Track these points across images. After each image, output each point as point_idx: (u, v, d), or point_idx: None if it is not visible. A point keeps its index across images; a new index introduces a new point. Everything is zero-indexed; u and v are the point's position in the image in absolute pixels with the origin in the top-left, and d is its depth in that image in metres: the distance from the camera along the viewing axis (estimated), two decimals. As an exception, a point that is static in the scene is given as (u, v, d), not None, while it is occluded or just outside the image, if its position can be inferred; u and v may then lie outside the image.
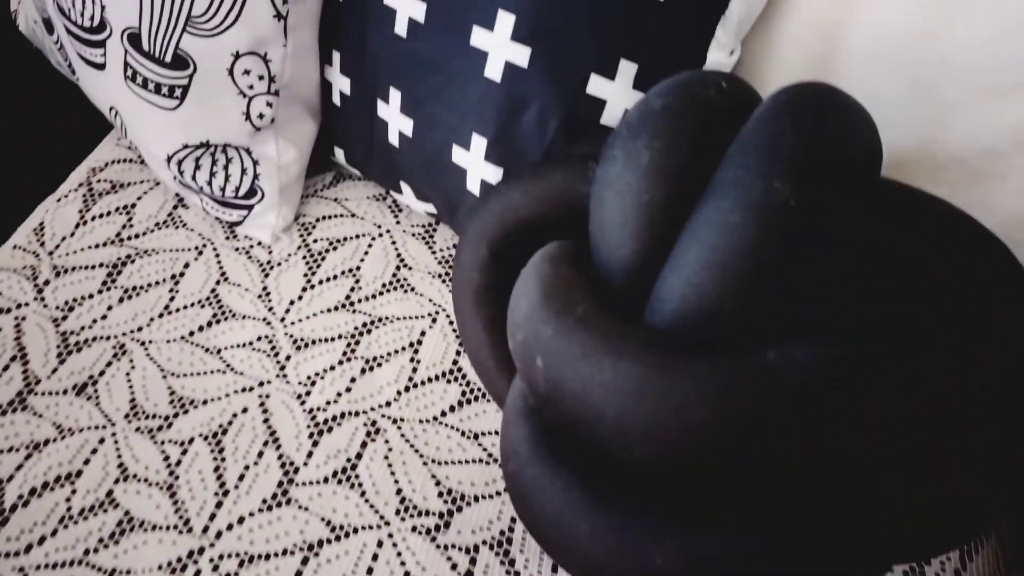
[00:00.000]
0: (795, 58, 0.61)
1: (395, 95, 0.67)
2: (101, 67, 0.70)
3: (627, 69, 0.58)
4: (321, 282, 0.72)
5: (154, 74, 0.68)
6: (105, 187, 0.78)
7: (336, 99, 0.73)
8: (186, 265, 0.73)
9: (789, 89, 0.45)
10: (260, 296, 0.71)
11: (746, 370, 0.38)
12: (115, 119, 0.75)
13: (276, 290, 0.71)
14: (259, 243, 0.75)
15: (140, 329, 0.68)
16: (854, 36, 0.59)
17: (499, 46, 0.59)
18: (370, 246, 0.75)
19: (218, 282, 0.72)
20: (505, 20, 0.58)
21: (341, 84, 0.72)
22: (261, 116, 0.70)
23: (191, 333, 0.68)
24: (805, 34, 0.60)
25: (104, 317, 0.69)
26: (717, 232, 0.40)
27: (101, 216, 0.76)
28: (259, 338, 0.68)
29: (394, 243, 0.75)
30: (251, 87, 0.69)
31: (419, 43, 0.63)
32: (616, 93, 0.59)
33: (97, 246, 0.73)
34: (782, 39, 0.61)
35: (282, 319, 0.69)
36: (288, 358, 0.67)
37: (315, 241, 0.75)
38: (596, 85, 0.59)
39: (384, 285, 0.72)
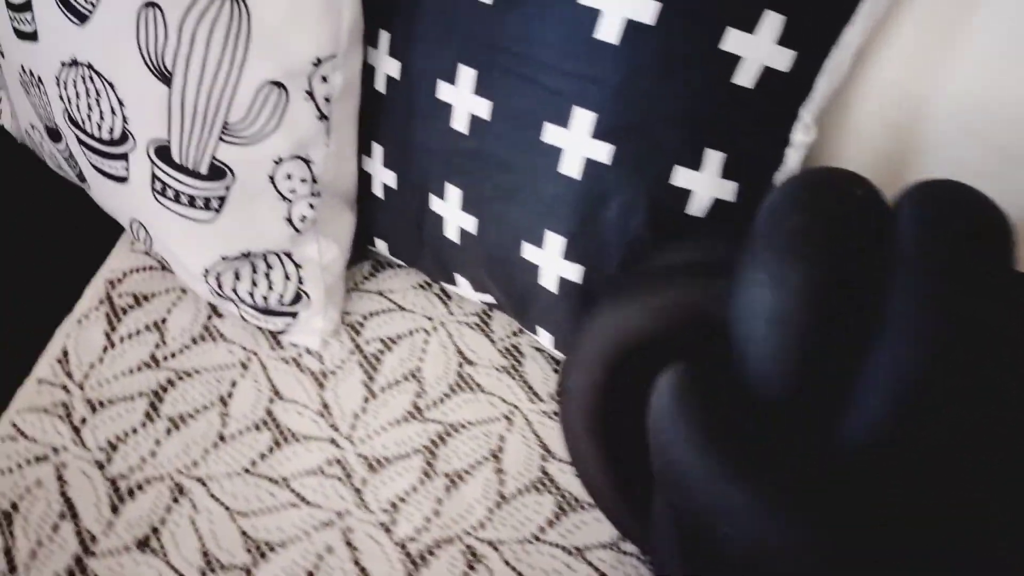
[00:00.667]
0: (874, 132, 0.59)
1: (453, 191, 0.63)
2: (123, 180, 0.65)
3: (713, 158, 0.55)
4: (383, 389, 0.68)
5: (188, 187, 0.62)
6: (128, 301, 0.72)
7: (378, 191, 0.68)
8: (233, 384, 0.67)
9: (934, 194, 0.43)
10: (321, 413, 0.66)
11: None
12: (137, 231, 0.69)
13: (336, 404, 0.67)
14: (307, 350, 0.70)
15: (195, 464, 0.63)
16: (938, 108, 0.57)
17: (577, 143, 0.56)
18: (426, 342, 0.71)
19: (271, 400, 0.67)
20: (582, 117, 0.55)
21: (384, 177, 0.67)
22: (303, 219, 0.66)
23: (252, 463, 0.63)
24: (885, 107, 0.58)
25: (153, 454, 0.63)
26: (906, 367, 0.37)
27: (130, 336, 0.70)
28: (328, 462, 0.63)
29: (451, 336, 0.71)
30: (293, 191, 0.64)
31: (484, 140, 0.59)
32: (702, 183, 0.56)
33: (131, 371, 0.68)
34: (860, 113, 0.59)
35: (348, 437, 0.65)
36: (364, 482, 0.62)
37: (367, 342, 0.71)
38: (681, 176, 0.56)
39: (450, 386, 0.68)
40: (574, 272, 0.60)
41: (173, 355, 0.69)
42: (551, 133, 0.56)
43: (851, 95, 0.59)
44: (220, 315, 0.72)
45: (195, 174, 0.62)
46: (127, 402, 0.66)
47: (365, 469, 0.63)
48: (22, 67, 0.66)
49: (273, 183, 0.63)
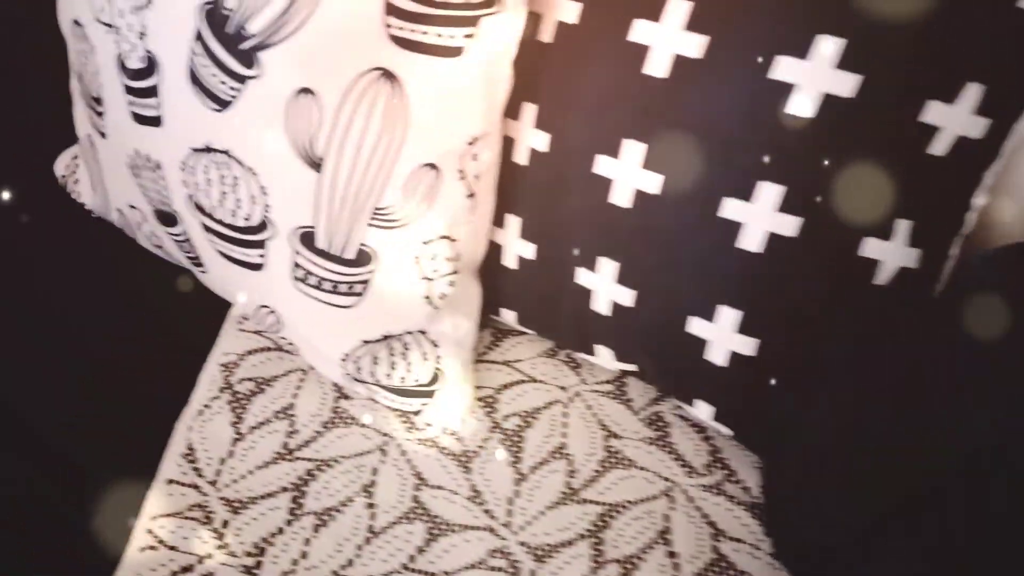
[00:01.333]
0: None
1: (607, 265, 0.60)
2: (256, 267, 0.61)
3: (902, 227, 0.54)
4: (533, 470, 0.65)
5: (332, 273, 0.59)
6: (249, 387, 0.69)
7: (510, 262, 0.66)
8: (375, 471, 0.64)
9: None
10: (472, 498, 0.63)
11: None
12: (263, 318, 0.66)
13: (487, 488, 0.64)
14: (444, 430, 0.68)
15: (350, 563, 0.59)
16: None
17: (760, 217, 0.54)
18: (566, 415, 0.68)
19: (417, 487, 0.64)
20: (769, 191, 0.53)
21: (520, 248, 0.65)
22: (443, 296, 0.63)
23: (411, 558, 0.60)
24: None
25: (305, 555, 0.60)
26: None
27: (259, 426, 0.66)
28: (491, 553, 0.60)
29: (589, 407, 0.69)
30: (436, 270, 0.61)
31: (649, 215, 0.57)
32: (891, 252, 0.54)
33: (267, 464, 0.64)
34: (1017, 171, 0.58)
35: (507, 524, 0.62)
36: (533, 574, 0.60)
37: (505, 418, 0.68)
38: (871, 247, 0.54)
39: (600, 463, 0.65)
40: (748, 346, 0.58)
41: (307, 443, 0.66)
42: (731, 208, 0.55)
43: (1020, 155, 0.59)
44: (347, 397, 0.69)
45: (340, 260, 0.59)
46: (268, 499, 0.62)
47: (532, 560, 0.60)
48: (136, 151, 0.63)
49: (418, 264, 0.61)
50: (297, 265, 0.60)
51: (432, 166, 0.56)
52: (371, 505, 0.63)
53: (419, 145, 0.55)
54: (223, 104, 0.55)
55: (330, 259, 0.59)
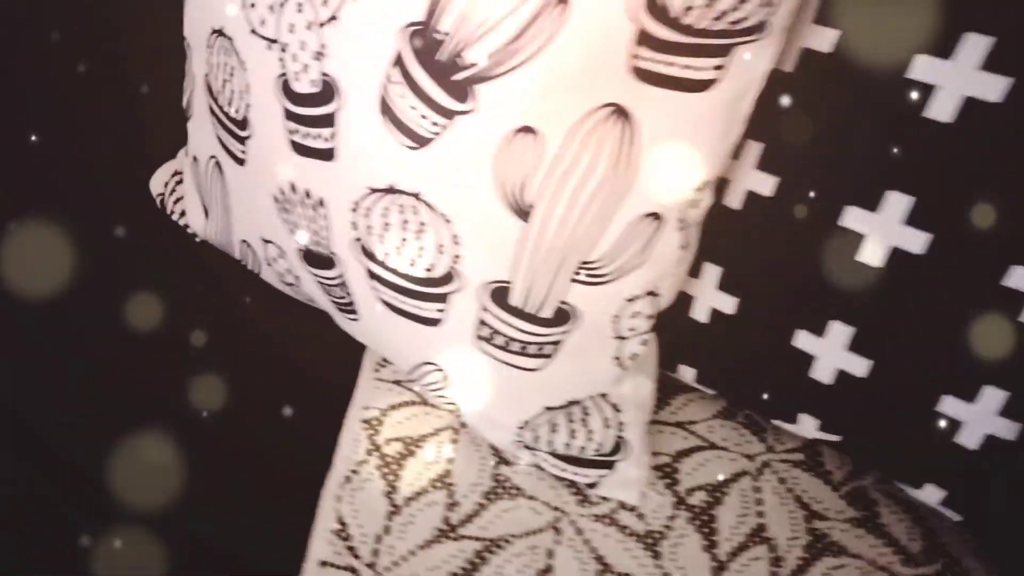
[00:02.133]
0: None
1: (841, 329, 0.53)
2: (432, 322, 0.54)
3: None
4: (732, 557, 0.58)
5: (523, 333, 0.52)
6: (398, 448, 0.62)
7: (701, 316, 0.58)
8: (550, 555, 0.57)
9: None
10: (665, 589, 0.57)
11: None
12: (424, 374, 0.58)
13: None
14: (622, 505, 0.61)
15: (538, 665, 0.53)
16: None
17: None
18: (758, 490, 0.60)
19: (600, 573, 0.57)
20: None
21: (717, 301, 0.57)
22: (632, 357, 0.56)
23: (605, 661, 0.54)
24: None
25: (484, 655, 0.53)
26: None
27: (416, 497, 0.59)
28: (697, 657, 0.54)
29: (782, 481, 0.61)
30: (633, 329, 0.54)
31: (909, 280, 0.50)
32: None
33: (429, 544, 0.56)
34: None
35: (710, 622, 0.56)
36: None
37: (689, 492, 0.60)
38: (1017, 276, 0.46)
39: (806, 548, 0.58)
40: (1007, 429, 0.51)
41: (470, 518, 0.58)
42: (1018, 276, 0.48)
43: None
44: (507, 462, 0.62)
45: (535, 319, 0.52)
46: (436, 586, 0.56)
47: (744, 665, 0.54)
48: (291, 184, 0.55)
49: (616, 323, 0.53)
50: (483, 323, 0.52)
51: (655, 216, 0.49)
52: (550, 595, 0.56)
53: (645, 192, 0.47)
54: (421, 142, 0.47)
55: (524, 318, 0.51)
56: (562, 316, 0.51)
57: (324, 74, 0.49)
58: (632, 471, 0.59)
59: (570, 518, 0.59)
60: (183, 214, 0.74)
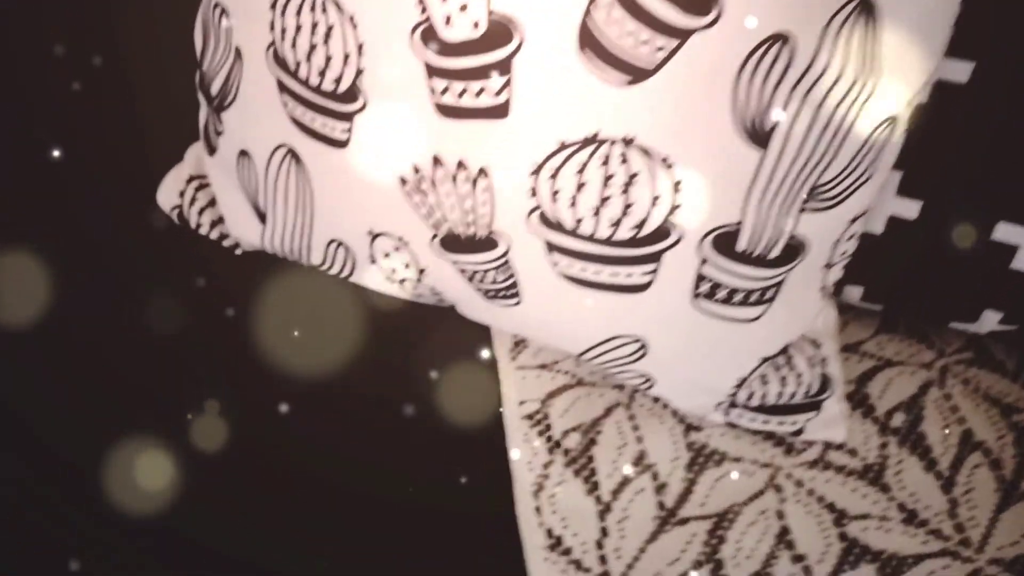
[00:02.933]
0: None
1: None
2: (637, 289, 0.46)
3: None
4: (954, 469, 0.53)
5: (749, 280, 0.45)
6: (577, 440, 0.53)
7: (877, 227, 0.53)
8: (780, 515, 0.50)
9: None
10: (908, 520, 0.51)
11: None
12: (609, 352, 0.50)
13: (918, 503, 0.51)
14: (829, 445, 0.56)
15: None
16: None
17: None
18: (948, 397, 0.55)
19: (839, 522, 0.50)
20: None
21: (896, 208, 0.53)
22: (834, 284, 0.50)
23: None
24: None
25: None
26: None
27: (620, 488, 0.51)
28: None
29: (967, 383, 0.57)
30: (844, 253, 0.49)
31: None
32: None
33: (654, 536, 0.48)
34: None
35: (964, 541, 0.51)
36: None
37: (888, 415, 0.55)
38: None
39: (1016, 444, 0.55)
40: None
41: (685, 497, 0.52)
42: None
43: None
44: (694, 427, 0.56)
45: (764, 262, 0.45)
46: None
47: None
48: (435, 158, 0.45)
49: (834, 249, 0.48)
50: (703, 278, 0.45)
51: (890, 121, 0.44)
52: (799, 558, 0.50)
53: (886, 93, 0.42)
54: (639, 75, 0.38)
55: (752, 262, 0.45)
56: (791, 252, 0.45)
57: (491, 12, 0.39)
58: (835, 407, 0.55)
59: (784, 472, 0.53)
60: (215, 224, 0.62)
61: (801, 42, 0.38)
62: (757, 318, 0.47)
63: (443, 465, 0.51)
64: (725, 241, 0.43)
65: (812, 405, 0.53)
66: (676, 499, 0.52)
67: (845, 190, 0.44)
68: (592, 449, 0.53)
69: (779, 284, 0.46)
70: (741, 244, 0.44)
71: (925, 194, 0.52)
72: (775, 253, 0.45)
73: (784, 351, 0.50)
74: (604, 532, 0.50)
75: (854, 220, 0.46)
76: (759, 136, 0.40)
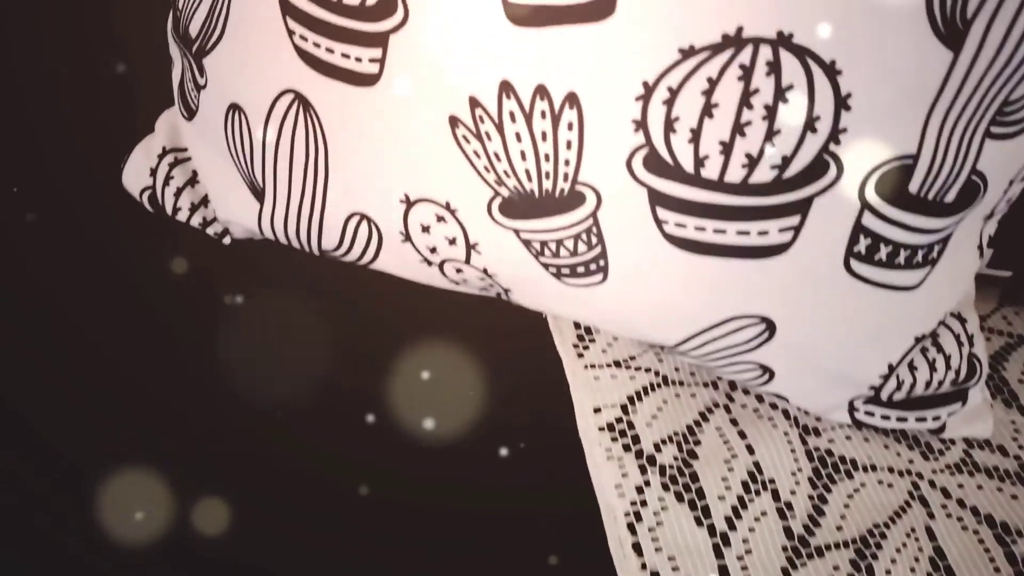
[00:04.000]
0: None
1: None
2: (772, 251, 0.35)
3: None
4: None
5: (919, 233, 0.35)
6: (675, 454, 0.43)
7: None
8: (930, 533, 0.41)
9: None
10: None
11: None
12: (720, 339, 0.39)
13: None
14: (972, 443, 0.46)
15: None
16: None
17: None
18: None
19: (1002, 539, 0.42)
20: None
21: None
22: (991, 239, 0.41)
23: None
24: None
25: None
26: None
27: (738, 512, 0.40)
28: None
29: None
30: (1009, 199, 0.39)
31: None
32: None
33: (787, 573, 0.40)
34: None
35: None
36: None
37: None
38: None
39: None
40: None
41: (815, 519, 0.42)
42: None
43: None
44: (812, 431, 0.46)
45: (938, 207, 0.35)
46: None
47: None
48: (506, 85, 0.34)
49: (1005, 192, 0.38)
50: (863, 231, 0.35)
51: None
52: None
53: None
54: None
55: (924, 209, 0.34)
56: (969, 194, 0.35)
57: None
58: (979, 396, 0.45)
59: (927, 479, 0.44)
60: (197, 207, 0.51)
61: None
62: (919, 284, 0.37)
63: (513, 498, 0.40)
64: (895, 179, 0.33)
65: (959, 394, 0.44)
66: (806, 523, 0.42)
67: (1039, 109, 0.35)
68: (694, 464, 0.43)
69: (947, 238, 0.37)
70: (915, 183, 0.34)
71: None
72: (952, 195, 0.35)
73: (934, 329, 0.41)
74: (725, 573, 0.40)
75: None
76: (954, 34, 0.31)
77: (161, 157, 0.51)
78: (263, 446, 0.43)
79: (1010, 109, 0.34)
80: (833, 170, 0.33)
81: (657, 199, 0.35)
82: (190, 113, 0.47)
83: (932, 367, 0.41)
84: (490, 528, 0.39)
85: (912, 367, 0.40)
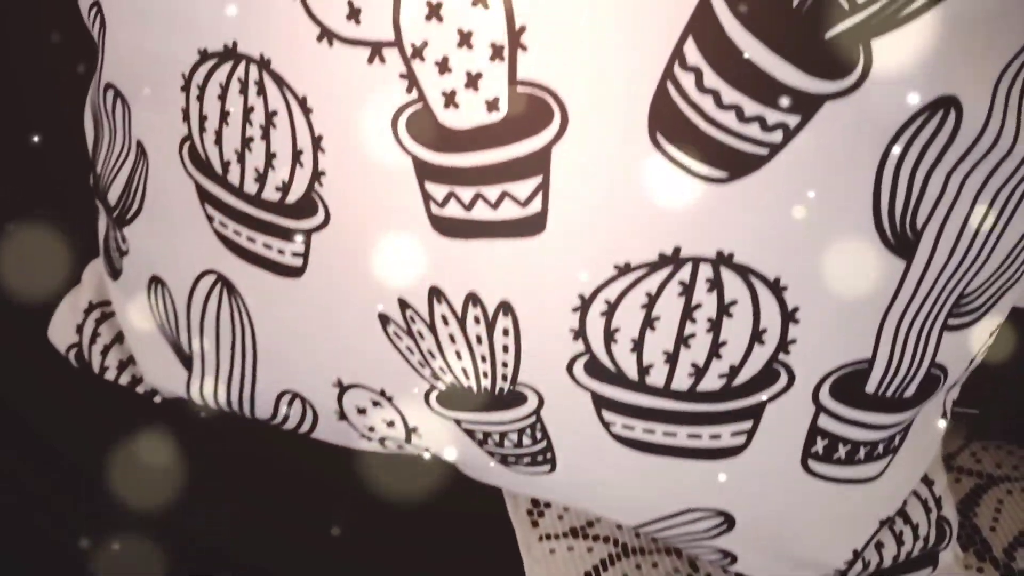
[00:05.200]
0: None
1: None
2: (725, 453, 0.32)
3: None
4: None
5: (877, 430, 0.32)
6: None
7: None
8: None
9: None
10: None
11: None
12: (679, 527, 0.36)
13: None
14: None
15: None
16: None
17: None
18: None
19: None
20: None
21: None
22: (951, 405, 0.40)
23: None
24: None
25: None
26: None
27: None
28: None
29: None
30: (971, 369, 0.37)
31: None
32: None
33: None
34: None
35: None
36: None
37: (1007, 553, 0.45)
38: None
39: None
40: None
41: None
42: None
43: None
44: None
45: (897, 403, 0.33)
46: None
47: None
48: (434, 291, 0.31)
49: (967, 368, 0.37)
50: (818, 433, 0.33)
51: None
52: None
53: None
54: (739, 168, 0.26)
55: (882, 407, 0.33)
56: (929, 385, 0.34)
57: (517, 83, 0.28)
58: (951, 556, 0.44)
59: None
60: (125, 365, 0.48)
61: (968, 107, 0.27)
62: (882, 473, 0.36)
63: None
64: (850, 383, 0.32)
65: (929, 558, 0.42)
66: None
67: (994, 295, 0.33)
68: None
69: (908, 427, 0.36)
70: (871, 385, 0.32)
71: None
72: (911, 391, 0.33)
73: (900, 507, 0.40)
74: None
75: (992, 334, 0.36)
76: (905, 242, 0.30)
77: (87, 312, 0.48)
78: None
79: (966, 300, 0.32)
80: (784, 378, 0.31)
81: (602, 402, 0.33)
82: (114, 273, 0.45)
83: (899, 540, 0.39)
84: None
85: (879, 546, 0.38)
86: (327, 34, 0.28)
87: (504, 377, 0.34)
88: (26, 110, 0.54)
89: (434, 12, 0.26)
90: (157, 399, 0.49)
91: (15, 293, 0.47)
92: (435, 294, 0.32)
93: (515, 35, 0.26)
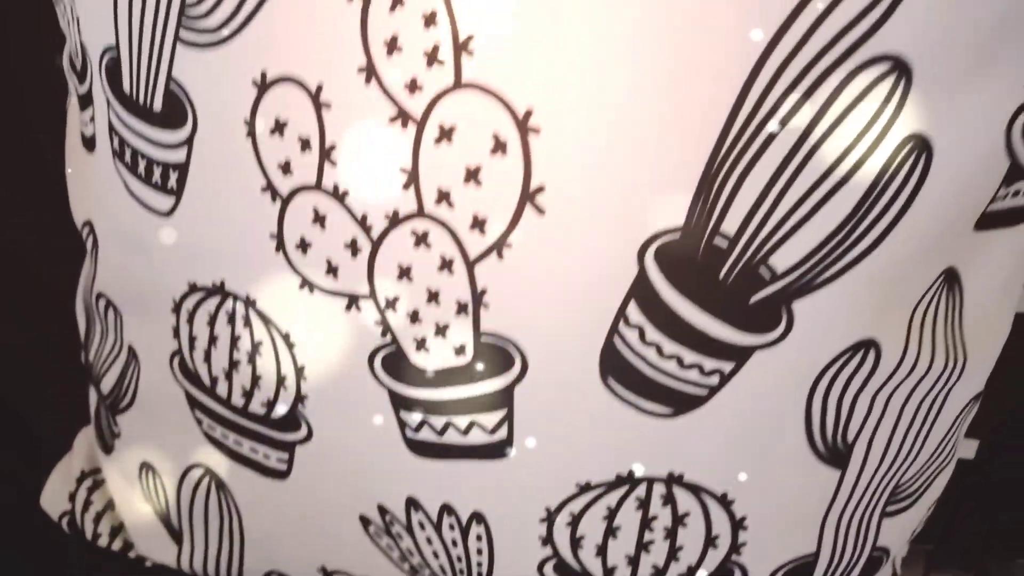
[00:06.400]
0: None
1: None
2: None
3: None
4: None
5: None
6: None
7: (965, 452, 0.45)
8: None
9: None
10: None
11: None
12: None
13: None
14: None
15: None
16: None
17: None
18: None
19: None
20: None
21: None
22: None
23: None
24: None
25: None
26: None
27: None
28: None
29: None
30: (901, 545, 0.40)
31: None
32: None
33: None
34: None
35: None
36: None
37: None
38: None
39: None
40: None
41: None
42: None
43: None
44: None
45: None
46: None
47: None
48: (411, 501, 0.33)
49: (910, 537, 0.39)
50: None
51: (976, 399, 0.36)
52: None
53: (973, 373, 0.35)
54: (682, 405, 0.29)
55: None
56: (871, 568, 0.36)
57: (484, 333, 0.31)
58: None
59: None
60: (118, 531, 0.49)
61: (885, 345, 0.30)
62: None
63: None
64: (800, 573, 0.35)
65: None
66: None
67: (927, 480, 0.36)
68: None
69: None
70: (819, 573, 0.35)
71: (982, 434, 0.46)
72: (855, 573, 0.36)
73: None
74: None
75: (930, 507, 0.39)
76: (838, 455, 0.32)
77: (80, 481, 0.50)
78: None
79: (901, 490, 0.35)
80: (738, 573, 0.34)
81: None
82: (106, 448, 0.47)
83: None
84: None
85: None
86: (308, 284, 0.31)
87: (479, 574, 0.36)
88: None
89: (404, 274, 0.30)
90: (148, 563, 0.51)
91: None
92: (411, 504, 0.34)
93: (478, 297, 0.29)
